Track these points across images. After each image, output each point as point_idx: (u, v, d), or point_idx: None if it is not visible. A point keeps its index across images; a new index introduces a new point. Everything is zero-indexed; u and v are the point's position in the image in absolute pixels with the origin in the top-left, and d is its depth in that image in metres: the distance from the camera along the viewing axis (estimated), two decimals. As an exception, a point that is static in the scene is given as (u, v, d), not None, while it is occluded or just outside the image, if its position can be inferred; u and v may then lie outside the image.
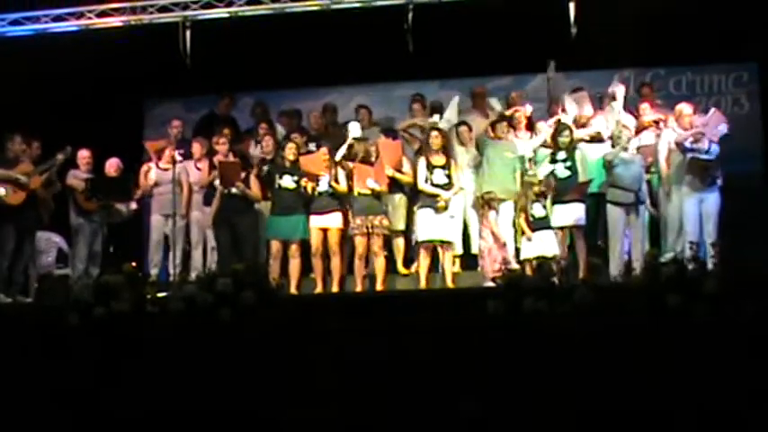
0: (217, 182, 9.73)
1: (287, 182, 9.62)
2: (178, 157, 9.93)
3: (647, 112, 9.96)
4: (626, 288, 7.24)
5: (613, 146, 9.32)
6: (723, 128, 9.35)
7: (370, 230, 9.37)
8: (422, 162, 9.54)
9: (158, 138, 10.74)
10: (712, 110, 9.81)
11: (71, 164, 10.06)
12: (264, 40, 10.83)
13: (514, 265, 9.21)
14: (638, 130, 9.82)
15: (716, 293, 6.78)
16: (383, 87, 11.49)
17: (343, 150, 9.61)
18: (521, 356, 6.82)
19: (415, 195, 9.71)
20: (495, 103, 10.33)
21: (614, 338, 6.70)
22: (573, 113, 9.92)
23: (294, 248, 9.54)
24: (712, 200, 9.14)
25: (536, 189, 9.29)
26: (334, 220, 9.50)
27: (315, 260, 9.51)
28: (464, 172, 9.79)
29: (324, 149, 9.69)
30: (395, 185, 9.65)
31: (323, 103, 11.03)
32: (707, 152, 9.16)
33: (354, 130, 9.78)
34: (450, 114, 10.08)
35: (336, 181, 9.53)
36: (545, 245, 9.17)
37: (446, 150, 9.58)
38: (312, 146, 10.03)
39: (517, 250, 9.51)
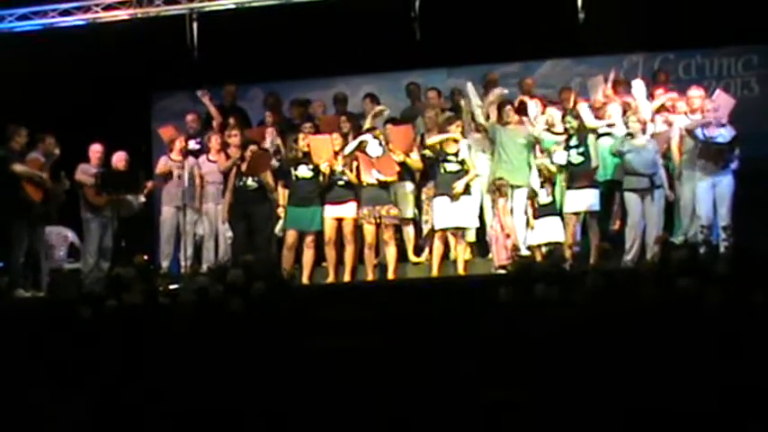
0: (231, 173, 9.76)
1: (303, 171, 9.62)
2: (195, 146, 9.96)
3: (659, 98, 9.91)
4: (637, 272, 7.20)
5: (628, 128, 9.30)
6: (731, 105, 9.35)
7: (378, 220, 9.38)
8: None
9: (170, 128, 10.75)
10: (717, 91, 9.76)
11: (80, 159, 10.09)
12: (271, 31, 10.83)
13: (525, 252, 9.22)
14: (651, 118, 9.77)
15: (727, 276, 6.75)
16: (391, 76, 11.45)
17: (352, 146, 9.59)
18: (532, 342, 6.81)
19: (423, 182, 9.70)
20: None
21: (625, 323, 6.69)
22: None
23: (309, 239, 9.55)
24: (726, 182, 9.11)
25: (544, 175, 9.28)
26: (348, 210, 9.50)
27: (328, 249, 9.52)
28: (478, 157, 9.79)
29: (333, 136, 9.68)
30: (405, 172, 9.64)
31: (333, 93, 11.02)
32: (720, 136, 9.11)
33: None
34: (476, 100, 10.01)
35: (350, 170, 9.52)
36: (550, 231, 9.17)
37: (457, 138, 9.56)
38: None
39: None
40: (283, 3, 10.48)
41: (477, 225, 9.63)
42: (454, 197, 9.33)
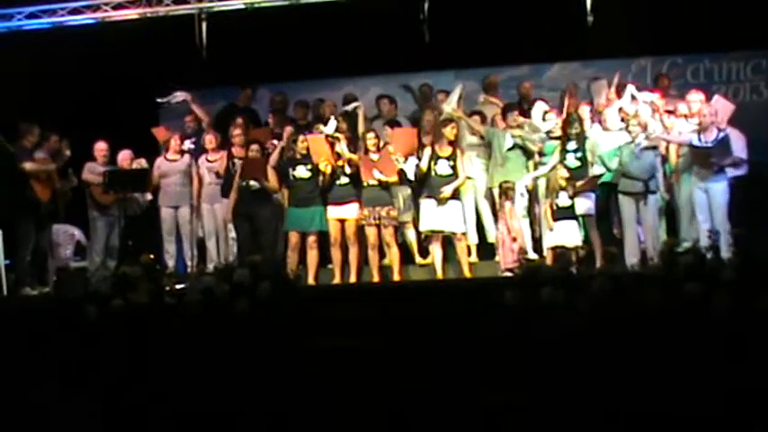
0: (236, 174, 9.77)
1: (301, 172, 9.63)
2: (190, 146, 9.98)
3: (659, 104, 9.89)
4: (644, 277, 7.19)
5: (629, 132, 9.31)
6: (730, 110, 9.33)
7: (379, 221, 9.38)
8: (427, 151, 9.52)
9: (172, 129, 10.76)
10: (716, 97, 9.74)
11: (88, 157, 10.11)
12: (279, 32, 10.84)
13: (532, 255, 9.22)
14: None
15: (734, 281, 6.73)
16: (399, 78, 11.44)
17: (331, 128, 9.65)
18: (538, 346, 6.80)
19: (420, 186, 9.70)
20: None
21: (632, 327, 6.68)
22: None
23: (312, 240, 9.56)
24: (718, 190, 9.01)
25: (559, 175, 9.27)
26: (351, 211, 9.50)
27: (333, 250, 9.53)
28: (473, 162, 9.78)
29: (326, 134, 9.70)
30: (404, 176, 9.62)
31: (342, 94, 11.01)
32: (714, 140, 9.09)
33: (329, 127, 9.75)
34: (451, 100, 9.98)
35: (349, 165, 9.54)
36: (566, 234, 9.16)
37: (453, 141, 9.55)
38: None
39: (534, 240, 9.51)
40: (292, 3, 10.50)
41: (464, 230, 9.56)
42: (440, 201, 9.32)
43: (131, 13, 10.66)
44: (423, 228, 9.44)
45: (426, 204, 9.43)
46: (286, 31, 10.83)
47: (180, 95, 10.62)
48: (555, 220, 9.24)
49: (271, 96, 11.30)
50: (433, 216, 9.36)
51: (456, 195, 9.42)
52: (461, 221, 9.51)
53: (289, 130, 10.15)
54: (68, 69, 10.84)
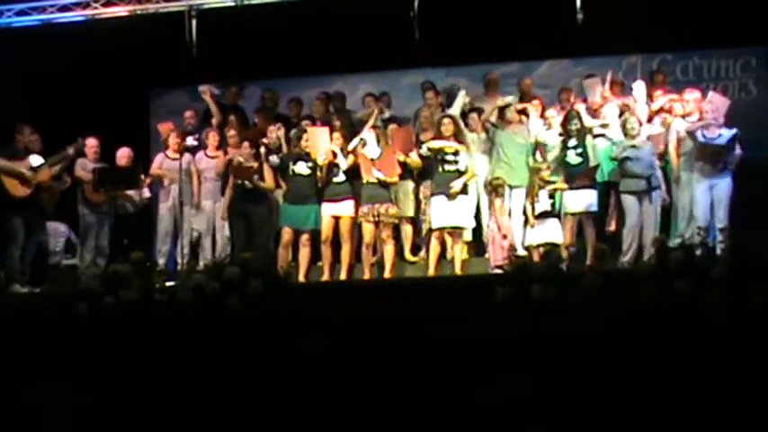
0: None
1: (301, 168, 9.62)
2: (193, 142, 9.97)
3: (659, 100, 9.93)
4: (634, 274, 7.21)
5: (625, 134, 9.31)
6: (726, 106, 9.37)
7: (377, 218, 9.37)
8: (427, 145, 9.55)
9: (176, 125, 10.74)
10: (710, 93, 9.77)
11: (80, 154, 10.08)
12: (270, 29, 10.82)
13: (521, 252, 9.24)
14: (649, 118, 9.79)
15: (725, 279, 6.75)
16: (389, 75, 11.46)
17: (355, 142, 9.59)
18: (528, 343, 6.82)
19: (422, 181, 9.70)
20: (509, 99, 10.24)
21: (622, 324, 6.70)
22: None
23: (305, 238, 9.55)
24: (723, 185, 9.11)
25: (544, 175, 9.30)
26: (346, 208, 9.49)
27: (324, 248, 9.51)
28: (477, 158, 9.78)
29: (335, 135, 9.66)
30: (405, 171, 9.63)
31: (332, 91, 11.01)
32: (719, 138, 9.13)
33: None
34: (456, 108, 9.98)
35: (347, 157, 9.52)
36: (549, 232, 9.19)
37: (457, 137, 9.55)
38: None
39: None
40: (282, 0, 10.48)
41: (474, 225, 9.65)
42: (451, 196, 9.32)
43: (121, 11, 10.64)
44: (435, 224, 9.41)
45: (437, 201, 9.39)
46: (276, 28, 10.82)
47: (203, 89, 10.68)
48: (536, 218, 9.27)
49: (261, 93, 11.29)
50: (444, 212, 9.33)
51: (464, 190, 9.43)
52: (471, 216, 9.53)
53: (274, 127, 10.13)
54: (58, 67, 10.81)
